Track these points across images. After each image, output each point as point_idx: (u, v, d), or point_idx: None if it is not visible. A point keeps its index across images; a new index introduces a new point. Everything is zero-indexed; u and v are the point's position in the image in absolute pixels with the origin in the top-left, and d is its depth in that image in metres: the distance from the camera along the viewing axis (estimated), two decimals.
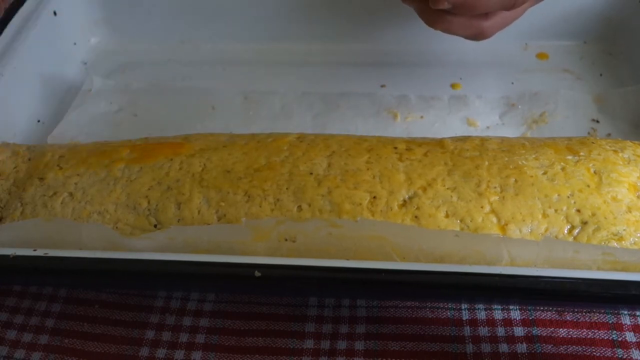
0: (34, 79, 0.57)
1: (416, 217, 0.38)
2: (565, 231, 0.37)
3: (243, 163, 0.41)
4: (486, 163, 0.40)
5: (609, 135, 0.52)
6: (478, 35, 0.46)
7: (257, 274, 0.33)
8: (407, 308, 0.42)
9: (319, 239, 0.36)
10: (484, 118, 0.55)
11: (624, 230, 0.37)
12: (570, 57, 0.61)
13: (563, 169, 0.39)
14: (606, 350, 0.39)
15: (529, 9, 0.48)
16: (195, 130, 0.47)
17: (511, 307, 0.42)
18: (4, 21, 0.55)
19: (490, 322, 0.41)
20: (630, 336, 0.40)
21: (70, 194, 0.41)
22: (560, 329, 0.40)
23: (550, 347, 0.39)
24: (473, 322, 0.41)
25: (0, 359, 0.41)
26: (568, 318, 0.41)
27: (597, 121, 0.53)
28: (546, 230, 0.37)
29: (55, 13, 0.59)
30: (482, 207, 0.38)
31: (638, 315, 0.41)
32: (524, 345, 0.39)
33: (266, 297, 0.43)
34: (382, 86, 0.59)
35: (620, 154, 0.40)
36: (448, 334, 0.40)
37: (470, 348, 0.40)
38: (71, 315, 0.43)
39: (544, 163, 0.40)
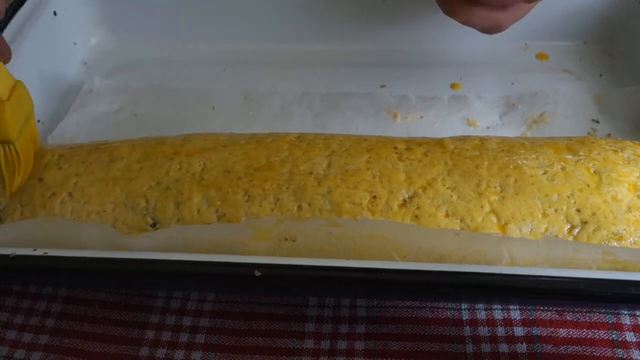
0: (34, 79, 0.57)
1: (416, 216, 0.38)
2: (565, 231, 0.37)
3: (243, 163, 0.41)
4: (486, 163, 0.40)
5: (609, 135, 0.52)
6: (495, 28, 0.46)
7: (257, 273, 0.33)
8: (407, 308, 0.42)
9: (319, 239, 0.36)
10: (484, 118, 0.55)
11: (624, 229, 0.37)
12: (570, 57, 0.61)
13: (563, 168, 0.39)
14: (606, 350, 0.39)
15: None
16: (195, 130, 0.47)
17: (511, 307, 0.42)
18: (4, 21, 0.55)
19: (490, 322, 0.41)
20: (630, 336, 0.40)
21: (70, 194, 0.41)
22: (560, 329, 0.40)
23: (550, 347, 0.39)
24: (473, 322, 0.41)
25: (0, 358, 0.41)
26: (568, 318, 0.41)
27: (597, 121, 0.53)
28: (546, 229, 0.37)
29: (55, 13, 0.59)
30: (482, 207, 0.38)
31: (638, 315, 0.41)
32: (524, 345, 0.39)
33: (266, 297, 0.43)
34: (382, 86, 0.59)
35: (620, 154, 0.40)
36: (448, 334, 0.40)
37: (470, 348, 0.40)
38: (71, 315, 0.43)
39: (544, 163, 0.40)
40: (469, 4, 0.44)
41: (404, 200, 0.39)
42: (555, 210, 0.38)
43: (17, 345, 0.42)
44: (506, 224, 0.37)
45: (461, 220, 0.38)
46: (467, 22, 0.46)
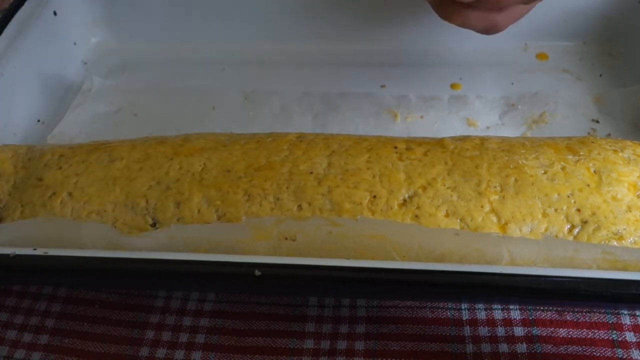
0: (34, 79, 0.57)
1: (416, 216, 0.38)
2: (566, 230, 0.37)
3: (243, 162, 0.41)
4: (486, 162, 0.40)
5: (608, 135, 0.52)
6: (492, 29, 0.46)
7: (257, 273, 0.33)
8: (407, 308, 0.42)
9: (319, 238, 0.36)
10: (484, 118, 0.55)
11: (624, 229, 0.37)
12: (570, 57, 0.61)
13: (563, 168, 0.39)
14: (606, 350, 0.39)
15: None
16: (195, 130, 0.47)
17: (511, 307, 0.42)
18: (4, 21, 0.55)
19: (490, 322, 0.41)
20: (630, 336, 0.40)
21: (70, 194, 0.41)
22: (560, 329, 0.40)
23: (550, 347, 0.39)
24: (473, 322, 0.41)
25: (0, 358, 0.41)
26: (568, 318, 0.41)
27: (597, 121, 0.53)
28: (546, 229, 0.37)
29: (55, 13, 0.59)
30: (482, 207, 0.38)
31: (638, 315, 0.41)
32: (524, 345, 0.39)
33: (266, 297, 0.43)
34: (382, 86, 0.59)
35: (620, 154, 0.40)
36: (448, 334, 0.40)
37: (470, 348, 0.40)
38: (71, 315, 0.43)
39: (544, 162, 0.40)
40: (464, 7, 0.44)
41: (404, 200, 0.39)
42: (556, 210, 0.38)
43: (17, 345, 0.42)
44: (506, 223, 0.37)
45: (461, 220, 0.38)
46: (463, 25, 0.46)
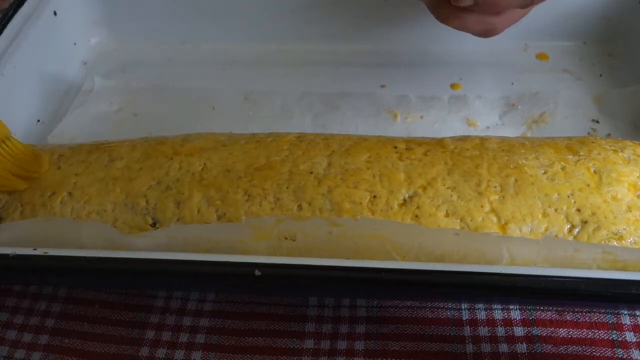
0: (34, 79, 0.57)
1: (416, 216, 0.38)
2: (566, 230, 0.37)
3: (243, 162, 0.41)
4: (486, 162, 0.40)
5: (608, 135, 0.52)
6: (489, 32, 0.46)
7: (257, 273, 0.33)
8: (407, 308, 0.42)
9: (319, 238, 0.36)
10: (484, 118, 0.55)
11: (624, 229, 0.37)
12: (570, 57, 0.61)
13: (563, 168, 0.39)
14: (606, 350, 0.39)
15: None
16: (195, 130, 0.47)
17: (511, 307, 0.42)
18: (4, 21, 0.55)
19: (490, 322, 0.41)
20: (630, 336, 0.40)
21: (69, 194, 0.41)
22: (560, 329, 0.40)
23: (550, 347, 0.39)
24: (473, 322, 0.41)
25: (0, 358, 0.41)
26: (568, 318, 0.41)
27: (597, 121, 0.53)
28: (546, 229, 0.37)
29: (55, 13, 0.59)
30: (482, 207, 0.38)
31: (638, 315, 0.41)
32: (524, 345, 0.39)
33: (266, 297, 0.43)
34: (382, 86, 0.59)
35: (620, 154, 0.40)
36: (448, 334, 0.40)
37: (470, 348, 0.40)
38: (71, 315, 0.43)
39: (544, 162, 0.40)
40: (461, 11, 0.44)
41: (404, 200, 0.39)
42: (556, 210, 0.38)
43: (17, 345, 0.42)
44: (506, 223, 0.37)
45: (461, 220, 0.38)
46: (461, 27, 0.46)
